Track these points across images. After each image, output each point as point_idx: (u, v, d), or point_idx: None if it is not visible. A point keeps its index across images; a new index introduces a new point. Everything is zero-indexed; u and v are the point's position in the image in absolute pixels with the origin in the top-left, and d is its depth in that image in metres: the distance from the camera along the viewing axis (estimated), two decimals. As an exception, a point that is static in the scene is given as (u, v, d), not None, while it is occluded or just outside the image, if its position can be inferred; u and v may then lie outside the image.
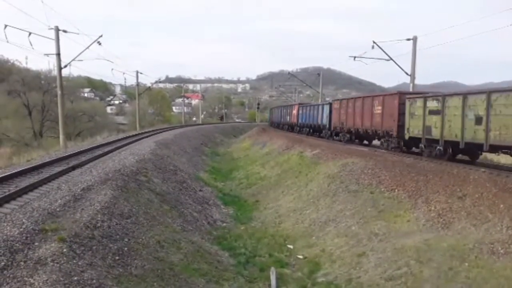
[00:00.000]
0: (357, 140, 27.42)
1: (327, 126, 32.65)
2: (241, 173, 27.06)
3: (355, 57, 32.61)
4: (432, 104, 17.47)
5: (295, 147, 27.32)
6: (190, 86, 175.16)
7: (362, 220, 12.70)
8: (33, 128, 53.35)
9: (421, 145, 18.60)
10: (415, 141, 19.44)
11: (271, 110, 73.79)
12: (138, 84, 57.18)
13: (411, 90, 28.34)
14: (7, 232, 7.31)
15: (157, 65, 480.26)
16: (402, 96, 20.33)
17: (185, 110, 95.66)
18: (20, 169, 13.74)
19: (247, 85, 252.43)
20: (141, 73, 59.79)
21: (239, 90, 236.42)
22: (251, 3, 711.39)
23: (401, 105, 20.07)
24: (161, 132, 42.01)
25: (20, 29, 25.10)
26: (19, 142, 46.89)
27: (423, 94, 18.72)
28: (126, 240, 9.15)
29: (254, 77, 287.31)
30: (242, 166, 30.05)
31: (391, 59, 30.15)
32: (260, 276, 10.56)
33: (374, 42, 29.16)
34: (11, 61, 64.99)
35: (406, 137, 19.55)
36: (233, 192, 21.38)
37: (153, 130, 44.36)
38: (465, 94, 15.47)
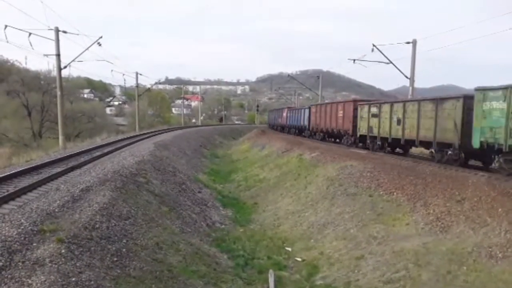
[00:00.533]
0: (331, 139, 32.14)
1: (307, 126, 37.46)
2: (240, 175, 27.06)
3: (354, 59, 32.70)
4: (374, 110, 22.63)
5: (294, 150, 27.33)
6: (190, 88, 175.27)
7: (360, 223, 12.70)
8: (32, 129, 53.28)
9: (367, 141, 23.50)
10: (364, 138, 24.28)
11: (269, 113, 75.99)
12: (137, 85, 57.18)
13: (410, 93, 28.57)
14: (5, 233, 7.30)
15: (157, 66, 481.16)
16: (355, 103, 25.93)
17: (185, 112, 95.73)
18: (19, 170, 13.73)
19: (247, 87, 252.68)
20: (140, 74, 59.78)
21: (239, 92, 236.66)
22: (251, 4, 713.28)
23: (355, 110, 25.42)
24: (160, 133, 42.01)
25: (20, 29, 25.13)
26: (18, 143, 46.82)
27: (368, 102, 24.18)
28: (125, 241, 9.14)
29: (253, 79, 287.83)
30: (241, 168, 30.05)
31: (391, 62, 30.17)
32: (258, 279, 10.55)
33: (373, 45, 29.23)
34: (11, 61, 64.90)
35: (358, 135, 25.00)
36: (232, 194, 21.37)
37: (152, 132, 44.36)
38: (392, 102, 21.01)
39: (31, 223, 7.98)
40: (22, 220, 8.04)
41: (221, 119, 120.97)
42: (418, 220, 11.37)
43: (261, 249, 12.93)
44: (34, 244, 7.17)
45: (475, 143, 13.96)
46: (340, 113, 27.92)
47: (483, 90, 13.70)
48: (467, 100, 14.97)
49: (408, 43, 28.65)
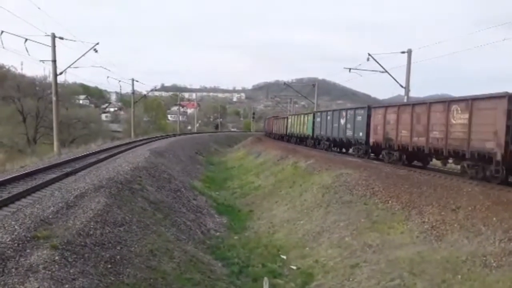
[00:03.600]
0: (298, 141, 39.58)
1: (285, 132, 45.70)
2: (235, 182, 27.02)
3: (350, 68, 32.88)
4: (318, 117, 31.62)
5: (290, 157, 27.35)
6: (186, 95, 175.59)
7: (355, 231, 12.70)
8: (27, 134, 53.11)
9: (323, 142, 31.10)
10: (318, 140, 32.21)
11: (264, 121, 77.87)
12: (133, 91, 57.21)
13: (405, 101, 28.64)
14: (-2, 239, 7.24)
15: (153, 73, 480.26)
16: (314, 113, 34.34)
17: (181, 119, 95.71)
18: (13, 175, 13.67)
19: (243, 95, 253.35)
20: (136, 81, 59.92)
21: (235, 99, 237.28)
22: (247, 13, 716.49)
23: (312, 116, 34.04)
24: (155, 140, 41.96)
25: (16, 35, 25.15)
26: (13, 148, 46.65)
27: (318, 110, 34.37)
28: (119, 248, 9.09)
29: (249, 87, 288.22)
30: (236, 175, 30.03)
31: (386, 71, 30.34)
32: (253, 286, 10.52)
33: (369, 54, 29.39)
34: (6, 67, 64.68)
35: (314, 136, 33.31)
36: (227, 201, 21.32)
37: (147, 138, 44.31)
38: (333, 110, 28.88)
39: (25, 229, 7.92)
40: (16, 226, 7.98)
41: (216, 127, 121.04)
42: (413, 228, 11.39)
43: (256, 256, 12.89)
44: (28, 251, 7.11)
45: None
46: (305, 121, 36.15)
47: None
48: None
49: (403, 52, 28.85)
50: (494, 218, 9.87)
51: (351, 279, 10.14)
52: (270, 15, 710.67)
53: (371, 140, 22.50)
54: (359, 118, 24.47)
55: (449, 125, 15.26)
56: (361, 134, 24.02)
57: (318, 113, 33.31)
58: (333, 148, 30.02)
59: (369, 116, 23.00)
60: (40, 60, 30.84)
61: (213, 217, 17.54)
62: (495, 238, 9.14)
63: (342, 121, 26.92)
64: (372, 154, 24.04)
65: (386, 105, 21.60)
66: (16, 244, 7.19)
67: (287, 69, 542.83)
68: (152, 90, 78.91)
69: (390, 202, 13.51)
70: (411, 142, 18.20)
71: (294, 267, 11.93)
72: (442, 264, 9.04)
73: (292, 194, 19.14)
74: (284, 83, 69.24)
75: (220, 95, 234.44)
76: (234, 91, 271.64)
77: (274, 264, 12.31)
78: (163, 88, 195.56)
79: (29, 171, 15.07)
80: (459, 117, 14.82)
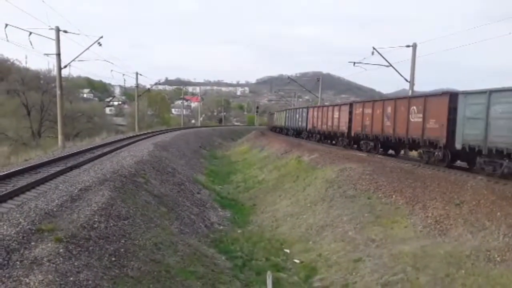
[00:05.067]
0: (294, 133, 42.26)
1: (278, 125, 53.41)
2: (239, 176, 27.05)
3: (354, 62, 32.70)
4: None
5: (294, 151, 27.34)
6: (190, 89, 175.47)
7: (359, 225, 12.70)
8: (31, 128, 53.22)
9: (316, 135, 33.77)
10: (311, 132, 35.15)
11: (268, 115, 78.95)
12: (137, 85, 57.21)
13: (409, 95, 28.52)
14: (3, 232, 7.29)
15: (157, 67, 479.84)
16: (310, 108, 36.96)
17: (184, 113, 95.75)
18: (18, 169, 13.71)
19: (247, 89, 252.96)
20: (140, 74, 59.81)
21: (238, 93, 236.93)
22: (251, 7, 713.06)
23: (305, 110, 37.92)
24: (159, 134, 42.00)
25: (20, 28, 25.15)
26: (17, 142, 46.76)
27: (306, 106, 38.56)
28: (123, 241, 9.13)
29: (253, 81, 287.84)
30: (240, 169, 30.06)
31: (391, 65, 30.13)
32: (256, 280, 10.55)
33: (374, 48, 29.22)
34: (11, 60, 64.94)
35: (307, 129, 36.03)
36: (231, 195, 21.36)
37: (151, 132, 44.34)
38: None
39: (30, 222, 7.97)
40: (21, 219, 8.03)
41: (220, 121, 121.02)
42: (417, 223, 11.37)
43: (259, 250, 12.92)
44: (32, 243, 7.15)
45: None
46: (297, 116, 39.72)
47: None
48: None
49: (408, 46, 28.65)
50: (499, 213, 9.84)
51: (354, 273, 10.16)
52: (274, 9, 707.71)
53: (352, 132, 25.44)
54: (342, 113, 27.70)
55: (409, 118, 18.41)
56: (344, 127, 27.36)
57: (310, 108, 37.95)
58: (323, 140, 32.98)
59: (350, 113, 26.06)
60: (45, 54, 30.89)
61: (217, 210, 17.58)
62: (499, 233, 9.12)
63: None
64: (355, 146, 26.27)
65: (364, 101, 24.97)
66: (20, 237, 7.23)
67: (291, 63, 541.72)
68: (156, 84, 78.82)
69: (393, 196, 13.49)
70: (382, 133, 21.41)
71: (297, 261, 11.95)
72: (446, 259, 9.02)
73: (296, 188, 19.14)
74: (288, 77, 68.97)
75: (224, 89, 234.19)
76: (238, 85, 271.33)
77: (278, 258, 12.34)
78: (167, 82, 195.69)
79: (33, 164, 15.11)
80: (416, 112, 18.14)
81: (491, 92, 13.31)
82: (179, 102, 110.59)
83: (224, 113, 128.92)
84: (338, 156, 21.55)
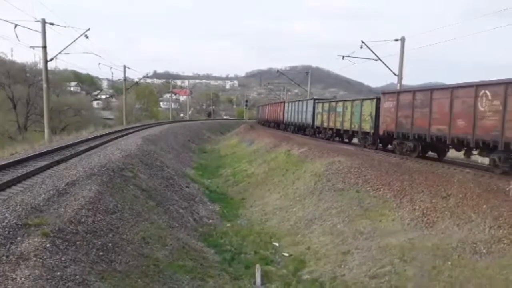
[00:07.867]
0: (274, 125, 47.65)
1: (261, 118, 59.62)
2: (228, 170, 27.02)
3: (343, 56, 32.75)
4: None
5: (283, 145, 27.36)
6: (178, 82, 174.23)
7: (347, 218, 12.78)
8: (17, 121, 52.53)
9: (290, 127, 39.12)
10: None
11: (258, 108, 79.31)
12: (125, 78, 56.65)
13: (398, 88, 28.69)
14: (-12, 227, 7.18)
15: (145, 60, 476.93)
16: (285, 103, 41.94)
17: (173, 106, 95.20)
18: (4, 163, 13.51)
19: (236, 82, 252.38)
20: (128, 67, 59.34)
21: (228, 87, 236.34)
22: (239, 2, 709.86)
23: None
24: (148, 127, 41.71)
25: (6, 20, 24.73)
26: (3, 135, 46.16)
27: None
28: (111, 236, 9.07)
29: (242, 74, 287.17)
30: (229, 163, 30.01)
31: (379, 59, 30.27)
32: (245, 273, 10.56)
33: (362, 42, 29.32)
34: (-4, 53, 63.73)
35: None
36: (220, 189, 21.34)
37: (139, 126, 44.02)
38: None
39: (16, 217, 7.86)
40: (6, 214, 7.91)
41: (209, 114, 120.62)
42: (404, 216, 11.48)
43: (248, 244, 12.94)
44: (19, 238, 7.06)
45: None
46: (279, 110, 43.82)
47: None
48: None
49: (396, 40, 28.79)
50: (484, 206, 9.96)
51: (342, 266, 10.24)
52: (262, 3, 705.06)
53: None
54: (309, 108, 32.96)
55: (362, 114, 23.08)
56: (309, 120, 33.11)
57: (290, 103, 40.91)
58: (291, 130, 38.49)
59: (314, 108, 31.28)
60: (30, 46, 30.32)
61: (206, 204, 17.55)
62: (485, 225, 9.23)
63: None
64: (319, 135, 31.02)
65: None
66: (7, 232, 7.13)
67: (280, 57, 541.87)
68: (144, 77, 78.09)
69: (382, 189, 13.58)
70: (342, 127, 26.28)
71: (286, 254, 12.00)
72: (433, 251, 9.13)
73: (285, 182, 19.19)
74: (278, 71, 68.92)
75: (213, 82, 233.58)
76: (227, 78, 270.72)
77: (267, 251, 12.37)
78: (156, 75, 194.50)
79: (19, 158, 14.91)
80: (365, 109, 22.97)
81: None
82: (168, 95, 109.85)
83: (213, 107, 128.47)
84: (327, 150, 21.62)
